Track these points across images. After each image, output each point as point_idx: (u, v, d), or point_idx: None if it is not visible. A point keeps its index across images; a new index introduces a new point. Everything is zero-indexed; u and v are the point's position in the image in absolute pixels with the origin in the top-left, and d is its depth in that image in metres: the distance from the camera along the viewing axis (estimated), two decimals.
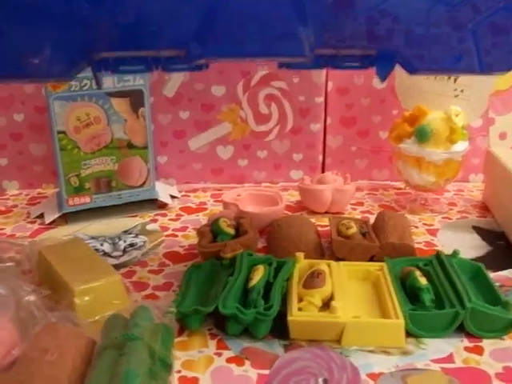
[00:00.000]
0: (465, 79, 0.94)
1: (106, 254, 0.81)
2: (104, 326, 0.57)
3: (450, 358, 0.60)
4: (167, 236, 0.88)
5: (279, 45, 0.50)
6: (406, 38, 0.51)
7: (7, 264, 0.70)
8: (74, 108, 0.87)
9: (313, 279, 0.67)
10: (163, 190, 1.02)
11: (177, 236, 0.88)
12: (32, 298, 0.61)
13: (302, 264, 0.72)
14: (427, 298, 0.66)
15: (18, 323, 0.58)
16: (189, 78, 1.03)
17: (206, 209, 1.00)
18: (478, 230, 0.92)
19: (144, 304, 0.60)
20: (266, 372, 0.58)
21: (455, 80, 0.94)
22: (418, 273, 0.69)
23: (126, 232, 0.89)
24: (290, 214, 0.95)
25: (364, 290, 0.71)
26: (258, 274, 0.67)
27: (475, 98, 0.94)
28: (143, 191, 0.96)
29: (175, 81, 1.03)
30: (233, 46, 0.50)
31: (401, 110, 1.00)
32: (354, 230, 0.80)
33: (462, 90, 0.94)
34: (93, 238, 0.86)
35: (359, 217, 0.95)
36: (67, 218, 0.93)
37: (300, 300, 0.65)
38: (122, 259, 0.80)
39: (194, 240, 0.84)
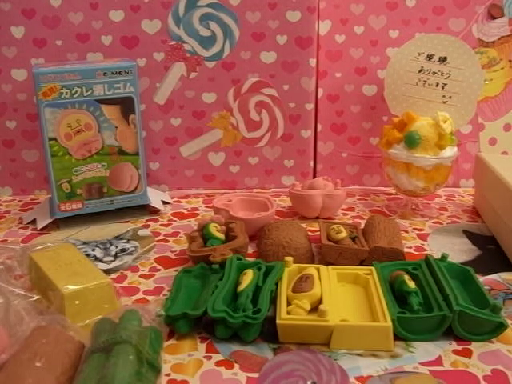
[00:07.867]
0: (453, 86, 0.95)
1: (97, 259, 0.82)
2: (92, 329, 0.57)
3: (438, 361, 0.61)
4: (159, 241, 0.89)
5: None
6: None
7: None
8: (65, 115, 0.88)
9: (301, 283, 0.67)
10: (155, 196, 1.02)
11: (168, 241, 0.89)
12: (22, 301, 0.62)
13: (291, 268, 0.72)
14: (415, 301, 0.66)
15: (8, 327, 0.58)
16: (180, 86, 1.04)
17: (197, 214, 1.00)
18: (469, 234, 0.92)
19: (133, 308, 0.60)
20: (255, 375, 0.58)
21: (443, 87, 0.95)
22: (406, 276, 0.70)
23: (117, 237, 0.89)
24: (281, 219, 0.96)
25: (353, 294, 0.71)
26: (247, 279, 0.68)
27: (463, 104, 0.95)
28: (135, 197, 0.96)
29: (166, 88, 1.04)
30: None
31: (391, 117, 1.00)
32: (343, 234, 0.81)
33: (450, 97, 0.95)
34: (84, 243, 0.87)
35: (350, 222, 0.95)
36: (59, 223, 0.93)
37: (289, 304, 0.65)
38: (114, 264, 0.80)
39: (186, 245, 0.84)
